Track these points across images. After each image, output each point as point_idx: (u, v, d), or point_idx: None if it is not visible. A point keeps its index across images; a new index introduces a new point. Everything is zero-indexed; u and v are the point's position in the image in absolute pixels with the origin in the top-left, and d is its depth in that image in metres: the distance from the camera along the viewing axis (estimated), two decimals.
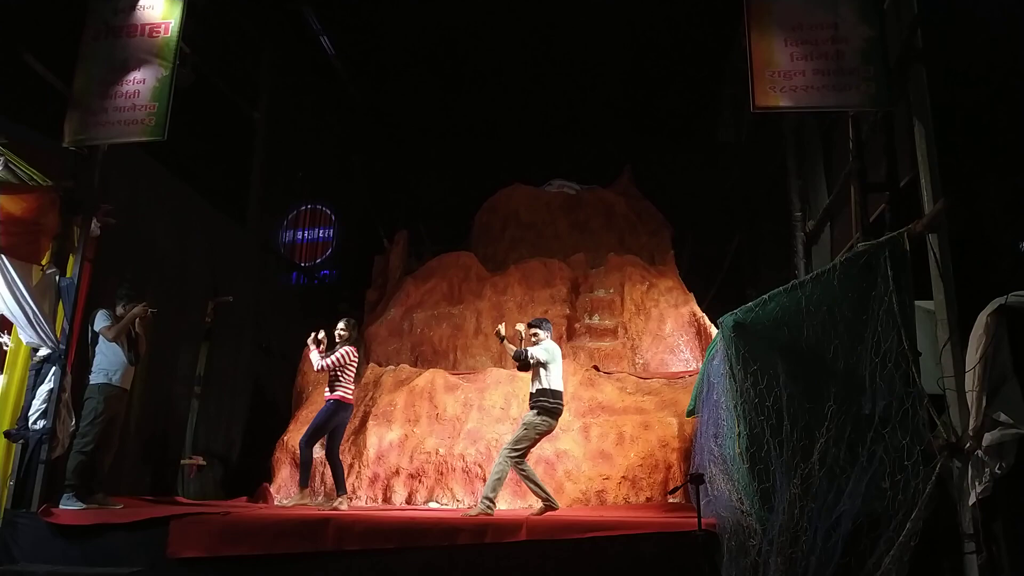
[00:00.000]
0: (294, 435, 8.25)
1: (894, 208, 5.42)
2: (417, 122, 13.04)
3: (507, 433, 7.60)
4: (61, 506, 5.67)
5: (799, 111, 6.68)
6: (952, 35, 4.89)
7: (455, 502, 7.42)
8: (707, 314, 9.13)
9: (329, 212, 13.23)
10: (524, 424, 5.93)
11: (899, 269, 3.90)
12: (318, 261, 13.16)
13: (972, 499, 3.63)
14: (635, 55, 11.15)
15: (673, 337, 9.23)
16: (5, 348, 6.28)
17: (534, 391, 6.01)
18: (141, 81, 6.46)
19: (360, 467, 7.80)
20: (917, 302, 4.06)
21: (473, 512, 5.63)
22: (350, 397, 6.86)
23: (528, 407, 6.06)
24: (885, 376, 3.83)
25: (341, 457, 7.03)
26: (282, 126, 10.52)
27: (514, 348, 6.21)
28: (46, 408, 5.85)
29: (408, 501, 7.58)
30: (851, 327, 4.08)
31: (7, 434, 5.81)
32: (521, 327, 6.33)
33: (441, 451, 7.67)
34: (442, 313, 10.00)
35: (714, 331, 7.67)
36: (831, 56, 5.59)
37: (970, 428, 3.65)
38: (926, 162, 4.81)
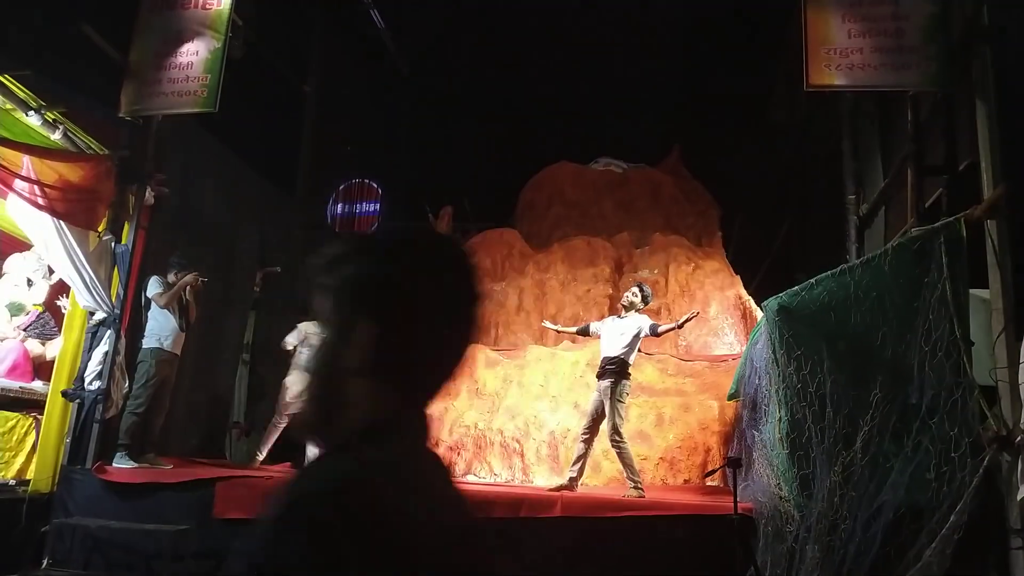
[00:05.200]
0: None
1: (952, 193, 5.22)
2: (465, 97, 13.00)
3: (545, 410, 7.64)
4: (114, 464, 5.90)
5: (855, 90, 6.46)
6: (1019, 13, 4.66)
7: (492, 475, 7.49)
8: (754, 297, 8.97)
9: (376, 186, 13.33)
10: (616, 399, 5.73)
11: (954, 256, 3.78)
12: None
13: (1021, 494, 3.52)
14: (687, 31, 10.92)
15: (717, 320, 9.12)
16: (63, 311, 6.52)
17: (623, 356, 5.84)
18: (194, 53, 6.55)
19: None
20: (971, 290, 3.93)
21: (629, 494, 5.49)
22: None
23: (608, 375, 5.86)
24: (935, 365, 3.74)
25: None
26: (332, 100, 10.62)
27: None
28: (101, 370, 6.07)
29: None
30: (901, 314, 3.98)
31: (64, 393, 6.04)
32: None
33: (480, 425, 7.73)
34: (484, 289, 10.01)
35: (760, 315, 7.54)
36: (891, 33, 5.38)
37: (1022, 421, 3.53)
38: (987, 145, 4.61)
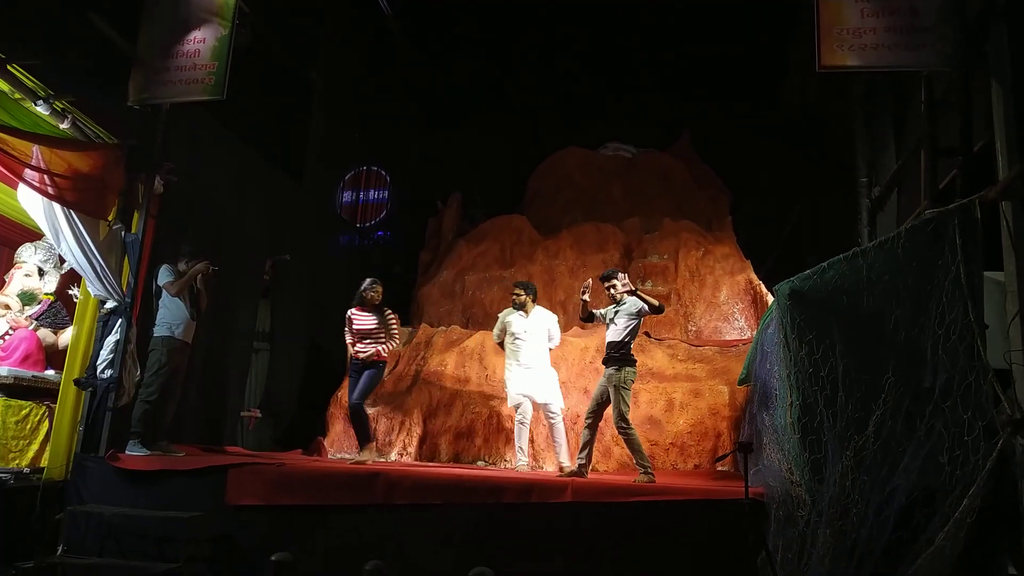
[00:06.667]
0: (347, 391, 8.43)
1: (966, 174, 5.14)
2: (473, 83, 12.94)
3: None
4: (127, 452, 5.94)
5: (869, 71, 6.37)
6: None
7: (502, 462, 7.51)
8: (765, 282, 8.91)
9: (385, 174, 13.30)
10: (619, 386, 5.76)
11: (969, 238, 3.74)
12: (374, 222, 13.28)
13: None
14: (697, 13, 10.80)
15: (728, 305, 9.07)
16: (75, 300, 6.55)
17: (625, 340, 5.89)
18: (202, 40, 6.54)
19: (411, 424, 7.94)
20: (986, 273, 3.88)
21: (640, 479, 5.53)
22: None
23: (612, 362, 5.89)
24: (948, 349, 3.70)
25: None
26: (339, 87, 10.57)
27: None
28: (113, 358, 6.10)
29: (456, 460, 7.70)
30: (914, 297, 3.94)
31: (77, 382, 6.08)
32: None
33: (490, 412, 7.74)
34: (493, 276, 10.01)
35: (771, 299, 7.50)
36: (905, 12, 5.30)
37: None
38: (1003, 126, 4.55)
